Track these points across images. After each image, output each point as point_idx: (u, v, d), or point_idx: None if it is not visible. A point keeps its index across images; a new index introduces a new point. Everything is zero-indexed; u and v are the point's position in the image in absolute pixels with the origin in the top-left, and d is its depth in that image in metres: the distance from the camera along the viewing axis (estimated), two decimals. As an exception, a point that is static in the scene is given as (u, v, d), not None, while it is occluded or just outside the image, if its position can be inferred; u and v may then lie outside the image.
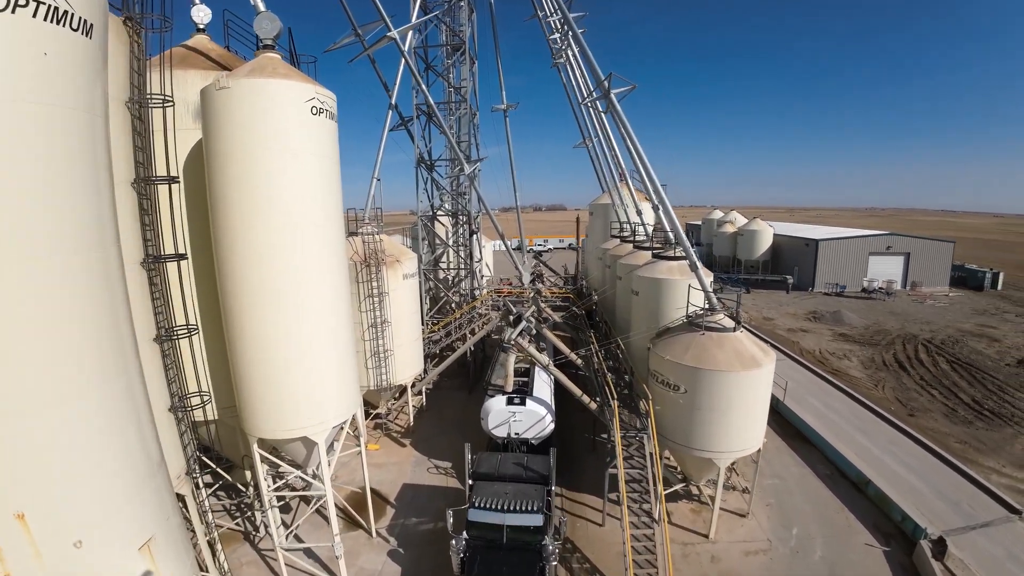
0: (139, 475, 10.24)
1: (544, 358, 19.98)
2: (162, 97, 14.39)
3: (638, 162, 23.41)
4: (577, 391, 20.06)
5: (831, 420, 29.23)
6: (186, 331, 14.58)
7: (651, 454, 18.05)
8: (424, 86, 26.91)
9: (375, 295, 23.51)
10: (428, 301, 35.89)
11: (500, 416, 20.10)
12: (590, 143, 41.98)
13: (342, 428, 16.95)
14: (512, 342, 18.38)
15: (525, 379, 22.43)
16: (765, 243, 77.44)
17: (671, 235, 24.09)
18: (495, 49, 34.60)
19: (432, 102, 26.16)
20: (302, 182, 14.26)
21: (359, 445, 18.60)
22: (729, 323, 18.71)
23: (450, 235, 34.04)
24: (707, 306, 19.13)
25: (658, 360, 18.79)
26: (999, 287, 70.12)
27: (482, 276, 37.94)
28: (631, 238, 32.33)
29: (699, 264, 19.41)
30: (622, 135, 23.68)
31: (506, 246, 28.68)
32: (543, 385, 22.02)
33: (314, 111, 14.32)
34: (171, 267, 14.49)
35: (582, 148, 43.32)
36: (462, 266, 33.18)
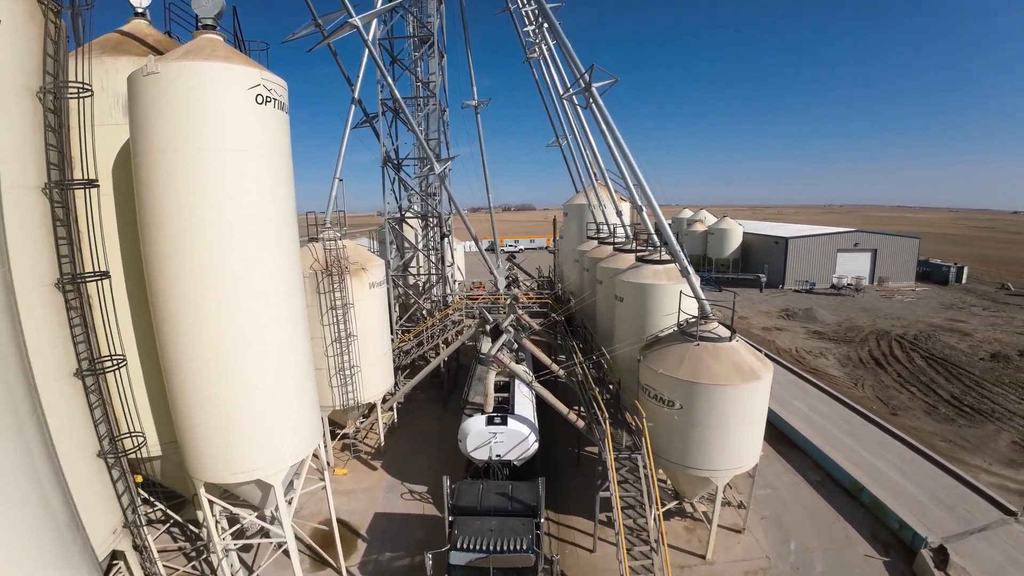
0: (44, 547, 8.23)
1: (527, 375, 18.34)
2: (79, 85, 12.27)
3: (620, 160, 22.03)
4: (563, 409, 18.52)
5: (818, 423, 28.59)
6: (113, 363, 12.42)
7: (647, 475, 16.62)
8: (390, 80, 25.02)
9: (339, 307, 21.52)
10: (397, 309, 33.91)
11: (480, 437, 18.40)
12: (563, 141, 40.66)
13: (304, 461, 15.01)
14: (492, 358, 16.70)
15: (505, 394, 20.79)
16: (735, 242, 77.80)
17: (655, 237, 22.84)
18: (465, 41, 32.92)
19: (399, 97, 24.28)
20: (246, 184, 12.29)
21: (324, 479, 16.62)
22: (724, 332, 17.46)
23: (419, 238, 32.09)
24: (699, 314, 17.83)
25: (650, 374, 17.38)
26: (963, 281, 71.75)
27: (454, 281, 36.14)
28: (610, 240, 31.03)
29: (691, 269, 18.09)
30: (602, 132, 22.32)
31: (480, 250, 27.03)
32: (525, 401, 20.42)
33: (260, 100, 12.38)
34: (93, 287, 12.39)
35: (555, 147, 42.05)
36: (433, 271, 31.28)
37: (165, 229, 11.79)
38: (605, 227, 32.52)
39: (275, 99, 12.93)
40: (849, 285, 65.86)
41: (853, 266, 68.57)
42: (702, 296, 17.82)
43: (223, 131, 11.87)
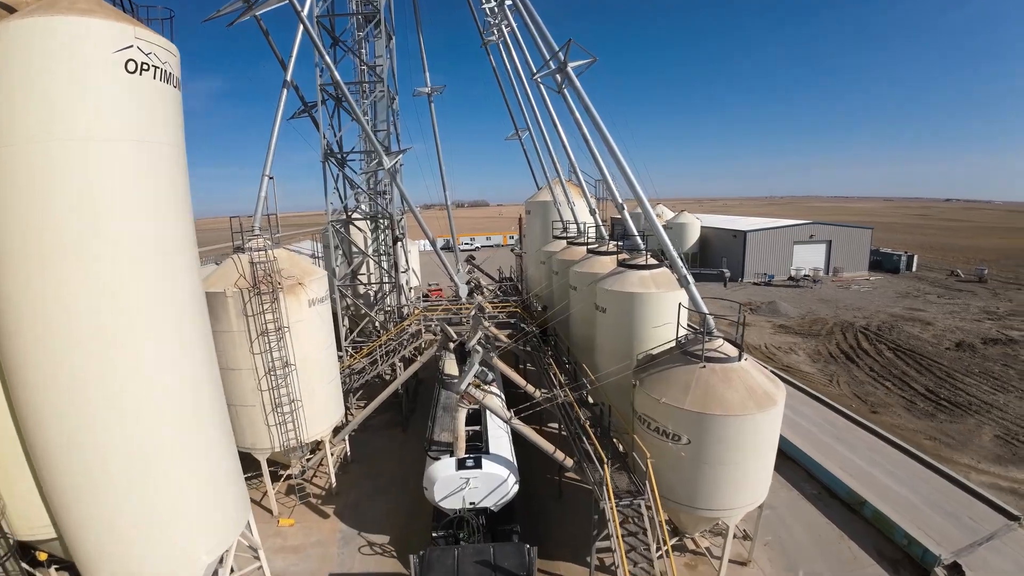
0: None
1: (504, 410, 15.34)
2: None
3: (599, 151, 19.39)
4: (549, 448, 15.65)
5: (804, 428, 27.05)
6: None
7: (652, 519, 14.01)
8: (329, 61, 21.48)
9: (271, 332, 17.95)
10: (347, 322, 30.27)
11: (450, 484, 15.35)
12: (523, 134, 37.85)
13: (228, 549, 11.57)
14: (462, 394, 13.67)
15: (476, 426, 17.76)
16: (694, 235, 77.23)
17: (638, 239, 20.31)
18: (416, 21, 29.51)
19: (340, 81, 20.88)
20: (109, 185, 8.75)
21: (257, 557, 13.19)
22: (731, 350, 15.02)
23: (369, 242, 28.55)
24: (703, 329, 15.33)
25: (649, 403, 14.73)
26: (913, 269, 73.40)
27: (410, 288, 32.75)
28: (580, 240, 28.41)
29: (690, 278, 15.59)
30: (576, 121, 19.59)
31: (438, 254, 23.91)
32: (500, 434, 17.46)
33: (134, 67, 8.90)
34: None
35: (514, 140, 39.22)
36: (385, 279, 27.78)
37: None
38: (574, 226, 29.88)
39: (157, 67, 9.45)
40: (807, 276, 66.13)
41: (809, 257, 69.01)
42: (705, 309, 15.34)
43: (73, 111, 8.33)
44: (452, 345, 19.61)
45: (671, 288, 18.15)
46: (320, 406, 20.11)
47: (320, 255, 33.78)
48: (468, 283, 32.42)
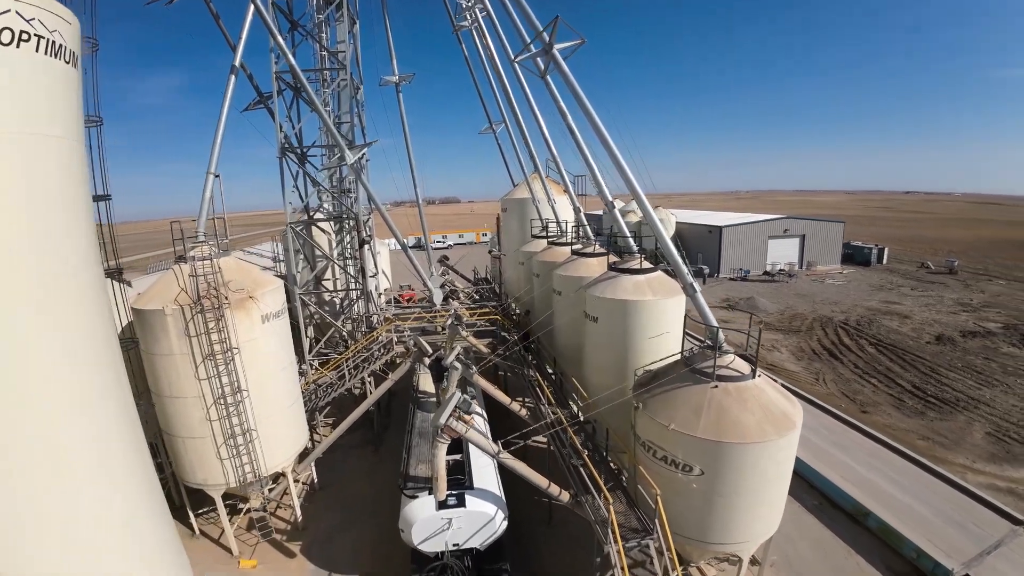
0: None
1: (490, 443, 13.38)
2: None
3: (582, 143, 17.61)
4: (543, 483, 13.76)
5: (800, 434, 25.79)
6: None
7: (663, 558, 12.31)
8: (283, 44, 19.14)
9: (218, 354, 15.66)
10: (311, 332, 27.89)
11: (430, 526, 13.40)
12: (498, 127, 35.89)
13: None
14: (443, 428, 11.71)
15: (456, 455, 15.77)
16: (668, 231, 76.43)
17: (630, 241, 18.62)
18: (382, 3, 27.17)
19: (295, 65, 18.63)
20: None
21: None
22: (744, 367, 13.43)
23: (334, 245, 26.20)
24: (711, 343, 13.69)
25: (655, 429, 13.01)
26: (884, 261, 74.01)
27: (379, 293, 30.49)
28: (563, 241, 26.61)
29: (697, 286, 13.96)
30: (561, 111, 17.77)
31: (409, 257, 21.87)
32: (485, 462, 15.51)
33: (9, 38, 6.66)
34: None
35: (488, 135, 37.23)
36: (352, 285, 25.47)
37: None
38: (555, 225, 28.06)
39: (42, 38, 7.22)
40: (782, 271, 65.86)
41: (783, 252, 68.84)
42: (714, 321, 13.70)
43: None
44: (427, 360, 17.65)
45: (670, 294, 16.50)
46: (279, 434, 17.89)
47: (282, 258, 31.26)
48: (442, 287, 30.34)
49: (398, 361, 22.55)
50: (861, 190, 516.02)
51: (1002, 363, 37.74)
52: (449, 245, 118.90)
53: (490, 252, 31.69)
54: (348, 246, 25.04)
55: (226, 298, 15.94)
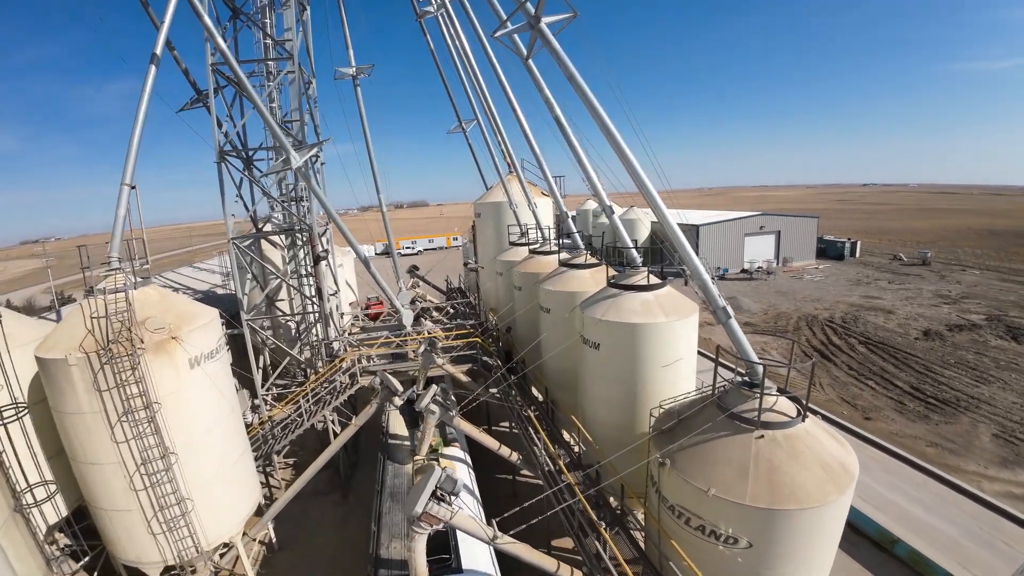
0: None
1: (483, 527, 10.43)
2: None
3: (572, 138, 15.02)
4: (551, 565, 10.97)
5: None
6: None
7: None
8: (214, 29, 15.92)
9: (137, 410, 12.47)
10: (266, 358, 24.60)
11: None
12: (468, 125, 33.08)
13: None
14: (421, 516, 8.85)
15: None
16: (644, 231, 74.67)
17: (634, 253, 16.09)
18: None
19: (226, 51, 15.52)
20: None
21: None
22: (788, 407, 10.97)
23: (287, 261, 22.96)
24: (749, 379, 11.21)
25: (688, 493, 10.40)
26: (857, 255, 73.83)
27: (342, 314, 27.28)
28: (545, 249, 23.99)
29: (730, 311, 11.51)
30: (546, 100, 15.15)
31: (373, 275, 18.93)
32: (476, 541, 12.62)
33: None
34: None
35: (457, 134, 34.41)
36: (310, 309, 22.25)
37: None
38: (536, 231, 25.38)
39: None
40: (760, 268, 64.67)
41: (760, 249, 67.84)
42: (754, 355, 11.24)
43: None
44: (398, 400, 14.79)
45: (684, 315, 14.00)
46: (223, 498, 14.72)
47: (226, 277, 27.73)
48: (412, 302, 27.34)
49: (368, 390, 19.52)
50: (820, 184, 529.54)
51: (994, 357, 36.89)
52: (419, 251, 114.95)
53: (465, 264, 28.64)
54: (303, 264, 21.81)
55: (141, 341, 12.74)
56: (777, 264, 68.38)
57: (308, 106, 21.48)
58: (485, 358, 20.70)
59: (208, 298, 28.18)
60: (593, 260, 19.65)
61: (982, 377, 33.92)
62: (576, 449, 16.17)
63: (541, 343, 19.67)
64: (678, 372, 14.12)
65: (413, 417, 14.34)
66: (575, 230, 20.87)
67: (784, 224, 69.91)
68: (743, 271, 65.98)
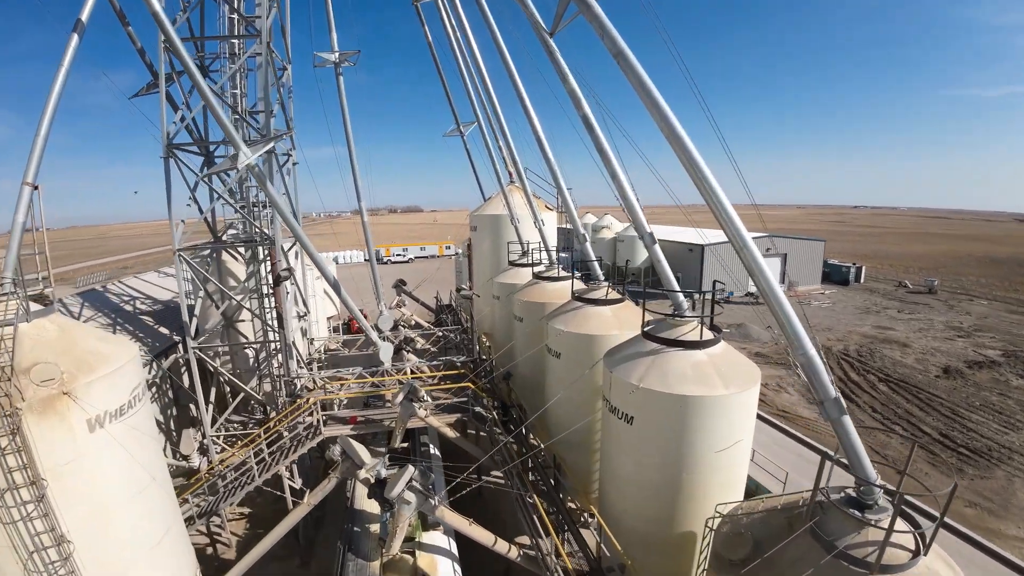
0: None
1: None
2: None
3: (606, 146, 11.85)
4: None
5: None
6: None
7: None
8: (155, 2, 12.51)
9: (19, 487, 8.99)
10: (219, 388, 20.98)
11: None
12: (467, 128, 29.90)
13: None
14: None
15: None
16: (644, 251, 71.88)
17: (679, 296, 12.92)
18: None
19: (169, 26, 12.22)
20: None
21: None
22: (906, 540, 7.82)
23: (247, 279, 19.41)
24: (858, 483, 8.07)
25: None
26: (862, 280, 71.42)
27: (310, 339, 23.66)
28: (553, 274, 20.71)
29: (842, 400, 8.38)
30: (571, 95, 11.97)
31: (346, 303, 15.56)
32: None
33: None
34: None
35: (454, 137, 31.21)
36: (271, 337, 18.59)
37: None
38: (541, 252, 22.09)
39: None
40: (768, 292, 61.75)
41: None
42: (874, 473, 8.13)
43: None
44: (363, 474, 11.32)
45: (746, 384, 10.75)
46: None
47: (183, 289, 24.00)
48: (395, 328, 23.82)
49: (330, 455, 15.93)
50: (811, 204, 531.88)
51: (1018, 399, 34.48)
52: (409, 259, 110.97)
53: (459, 290, 24.92)
54: (262, 282, 18.21)
55: (22, 398, 9.26)
56: (784, 288, 65.40)
57: (280, 96, 18.09)
58: (478, 408, 17.17)
59: (169, 311, 24.56)
60: (617, 296, 16.39)
61: (1010, 422, 31.36)
62: (594, 540, 12.80)
63: (547, 391, 16.37)
64: (734, 457, 10.87)
65: (386, 501, 10.97)
66: (593, 257, 17.53)
67: (790, 247, 67.20)
68: (748, 294, 63.06)
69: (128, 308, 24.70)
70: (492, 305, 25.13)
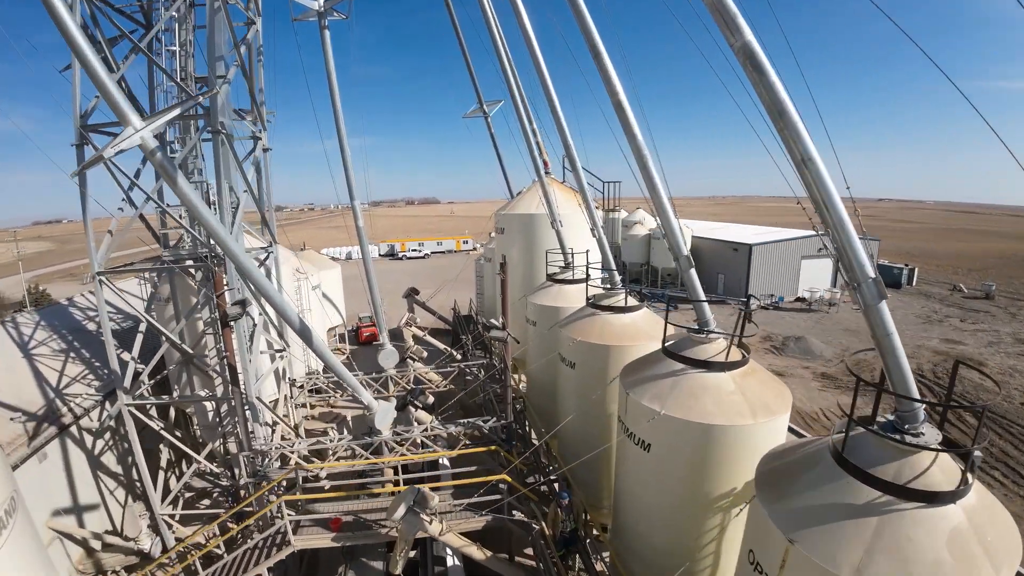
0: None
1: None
2: None
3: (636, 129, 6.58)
4: None
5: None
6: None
7: None
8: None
9: None
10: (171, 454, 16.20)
11: None
12: (491, 108, 24.94)
13: None
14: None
15: None
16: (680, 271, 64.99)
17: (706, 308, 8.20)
18: None
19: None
20: None
21: None
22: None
23: (199, 308, 14.49)
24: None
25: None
26: (914, 283, 65.33)
27: (292, 381, 18.71)
28: (619, 302, 15.14)
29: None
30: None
31: (325, 358, 10.75)
32: None
33: None
34: None
35: (476, 118, 26.34)
36: (228, 393, 13.35)
37: None
38: (597, 267, 16.84)
39: None
40: (821, 298, 55.42)
41: (815, 274, 58.46)
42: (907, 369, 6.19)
43: None
44: None
45: (777, 410, 9.12)
46: None
47: (161, 299, 18.93)
48: (401, 361, 18.77)
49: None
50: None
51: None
52: (425, 254, 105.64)
53: (486, 329, 18.98)
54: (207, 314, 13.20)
55: None
56: (840, 295, 58.45)
57: (241, 57, 12.97)
58: (517, 512, 11.66)
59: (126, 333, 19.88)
60: (633, 300, 11.96)
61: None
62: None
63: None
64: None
65: None
66: (613, 267, 12.76)
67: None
68: (799, 299, 57.14)
69: (91, 328, 20.13)
70: (525, 329, 20.02)
